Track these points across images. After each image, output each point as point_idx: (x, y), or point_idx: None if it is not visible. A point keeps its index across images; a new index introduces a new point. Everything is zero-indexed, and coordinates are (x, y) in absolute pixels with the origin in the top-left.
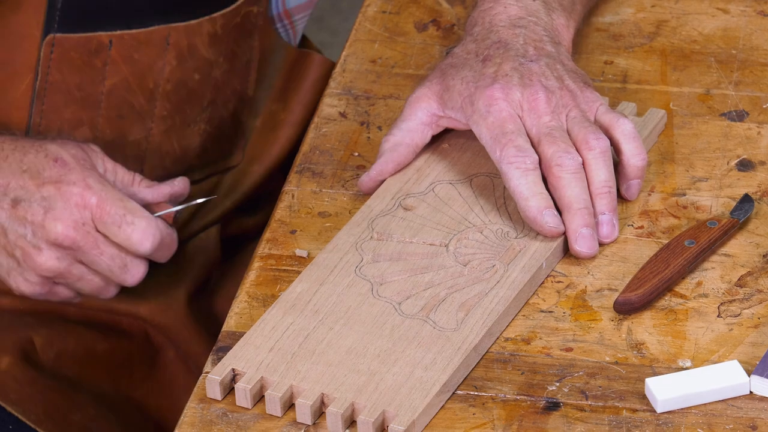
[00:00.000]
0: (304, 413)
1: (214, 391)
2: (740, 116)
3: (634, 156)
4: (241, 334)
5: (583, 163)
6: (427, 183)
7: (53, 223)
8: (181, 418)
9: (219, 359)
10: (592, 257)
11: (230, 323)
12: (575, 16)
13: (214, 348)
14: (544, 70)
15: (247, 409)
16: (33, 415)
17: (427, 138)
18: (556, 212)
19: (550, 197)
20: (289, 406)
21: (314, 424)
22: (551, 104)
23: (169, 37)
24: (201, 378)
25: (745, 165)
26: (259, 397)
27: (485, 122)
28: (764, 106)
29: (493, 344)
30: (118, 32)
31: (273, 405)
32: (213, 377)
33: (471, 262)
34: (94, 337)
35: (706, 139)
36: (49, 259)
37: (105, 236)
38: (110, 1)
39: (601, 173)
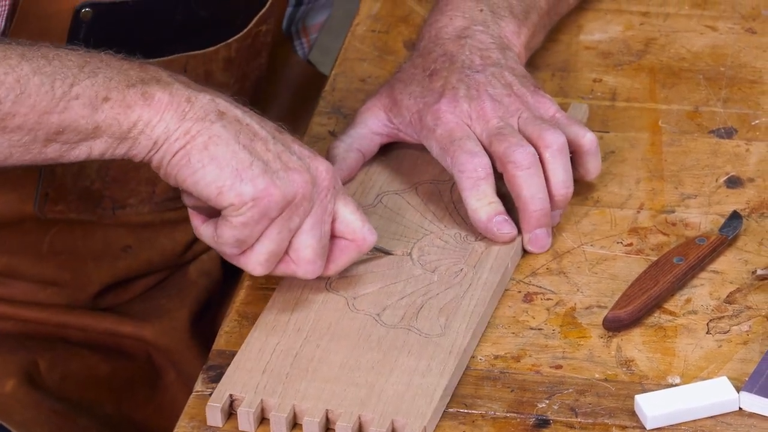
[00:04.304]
0: None
1: (216, 419)
2: (729, 133)
3: (595, 170)
4: (231, 353)
5: (540, 161)
6: (373, 195)
7: (323, 165)
8: None
9: (210, 378)
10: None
11: (220, 342)
12: (529, 24)
13: (204, 367)
14: (490, 79)
15: (235, 427)
16: None
17: (376, 147)
18: (506, 217)
19: (500, 204)
20: (293, 425)
21: None
22: (499, 111)
23: (187, 64)
24: (192, 396)
25: (733, 182)
26: (261, 420)
27: (434, 136)
28: (753, 123)
29: (482, 361)
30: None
31: (278, 426)
32: (214, 405)
33: (438, 268)
34: (98, 360)
35: (695, 156)
36: (303, 183)
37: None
38: (133, 32)
39: (559, 173)
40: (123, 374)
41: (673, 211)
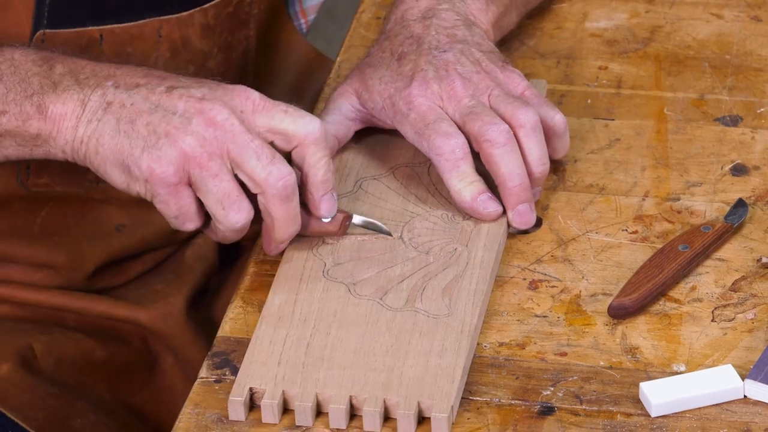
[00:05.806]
0: (338, 418)
1: (238, 413)
2: (734, 121)
3: (563, 150)
4: (236, 339)
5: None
6: (351, 182)
7: (211, 104)
8: (177, 423)
9: (214, 364)
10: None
11: (225, 328)
12: (497, 2)
13: (209, 353)
14: (458, 57)
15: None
16: (34, 422)
17: (351, 132)
18: (490, 195)
19: (482, 182)
20: (317, 414)
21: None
22: (469, 89)
23: (161, 29)
24: (196, 383)
25: (739, 170)
26: (283, 410)
27: (408, 121)
28: (758, 111)
29: (487, 348)
30: (109, 26)
31: (303, 415)
32: (235, 399)
33: (432, 249)
34: (93, 344)
35: (700, 144)
36: (194, 135)
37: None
38: None
39: (535, 150)
40: (119, 359)
41: (679, 199)
